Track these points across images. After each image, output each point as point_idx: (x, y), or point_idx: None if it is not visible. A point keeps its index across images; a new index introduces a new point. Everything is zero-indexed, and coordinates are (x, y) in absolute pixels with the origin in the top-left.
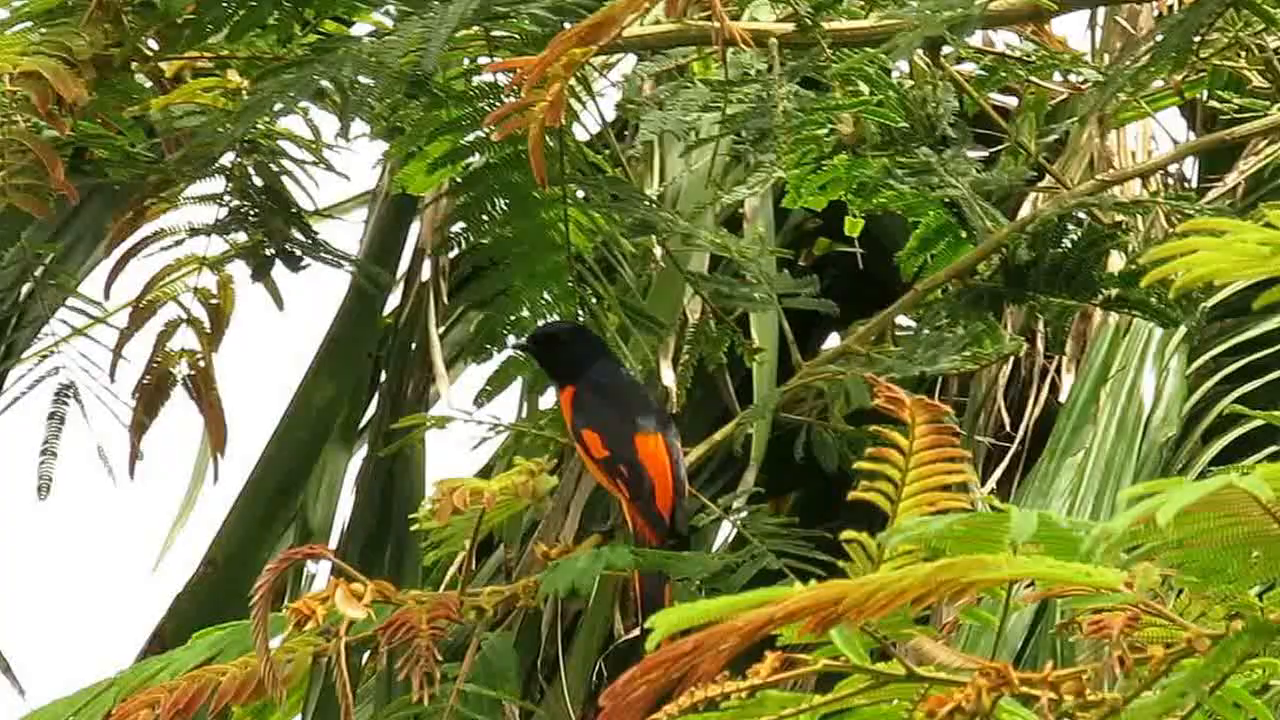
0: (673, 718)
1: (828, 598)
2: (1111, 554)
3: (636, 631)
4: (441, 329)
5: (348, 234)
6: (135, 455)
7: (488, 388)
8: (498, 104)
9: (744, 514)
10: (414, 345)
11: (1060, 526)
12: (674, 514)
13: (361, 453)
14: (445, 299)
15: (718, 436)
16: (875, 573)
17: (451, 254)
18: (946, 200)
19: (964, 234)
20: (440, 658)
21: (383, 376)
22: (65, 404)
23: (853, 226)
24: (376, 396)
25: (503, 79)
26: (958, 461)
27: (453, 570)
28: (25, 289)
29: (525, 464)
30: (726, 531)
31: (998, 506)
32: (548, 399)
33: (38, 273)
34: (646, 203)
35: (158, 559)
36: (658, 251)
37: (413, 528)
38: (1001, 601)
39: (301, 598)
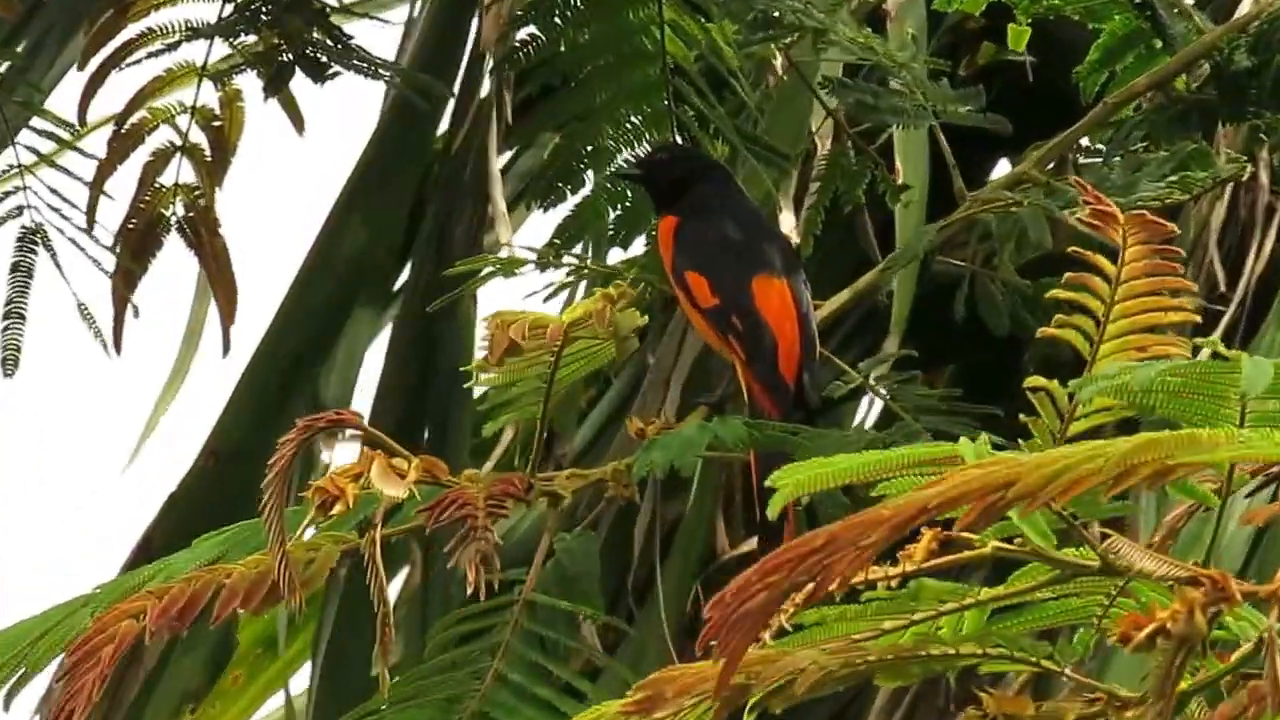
0: (800, 609)
1: (997, 480)
2: None
3: (745, 548)
4: (503, 160)
5: (387, 38)
6: (121, 316)
7: (555, 240)
8: None
9: (891, 383)
10: (467, 180)
11: None
12: (801, 380)
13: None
14: (509, 122)
15: (860, 283)
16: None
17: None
18: (1137, 1)
19: (1158, 43)
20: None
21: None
22: (32, 253)
23: (1017, 38)
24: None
25: None
26: (1180, 295)
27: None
28: None
29: (603, 290)
30: (864, 412)
31: (1224, 354)
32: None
33: None
34: None
35: (135, 448)
36: (778, 63)
37: (466, 384)
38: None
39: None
